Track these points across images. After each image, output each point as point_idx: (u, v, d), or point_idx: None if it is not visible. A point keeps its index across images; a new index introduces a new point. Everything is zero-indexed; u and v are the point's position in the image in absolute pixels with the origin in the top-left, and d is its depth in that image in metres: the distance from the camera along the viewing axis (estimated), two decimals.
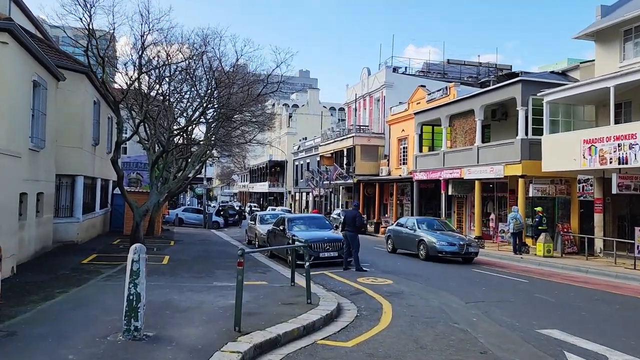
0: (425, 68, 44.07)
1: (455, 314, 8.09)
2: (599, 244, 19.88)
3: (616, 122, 19.34)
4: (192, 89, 19.56)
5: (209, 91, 17.90)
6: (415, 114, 29.82)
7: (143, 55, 15.17)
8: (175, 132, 18.74)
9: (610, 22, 19.06)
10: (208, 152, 24.34)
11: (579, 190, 20.86)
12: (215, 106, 18.75)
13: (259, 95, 19.03)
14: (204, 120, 19.67)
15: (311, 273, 12.96)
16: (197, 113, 18.67)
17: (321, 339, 6.75)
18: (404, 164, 35.25)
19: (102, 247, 17.38)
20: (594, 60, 21.09)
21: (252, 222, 22.08)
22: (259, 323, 7.06)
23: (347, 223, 14.39)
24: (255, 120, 21.11)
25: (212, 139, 19.48)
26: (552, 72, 22.34)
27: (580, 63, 21.37)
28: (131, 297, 6.07)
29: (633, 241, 16.94)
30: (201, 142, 21.09)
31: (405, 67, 43.67)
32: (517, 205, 20.76)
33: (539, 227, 18.78)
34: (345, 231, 14.30)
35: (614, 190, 16.58)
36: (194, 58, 17.00)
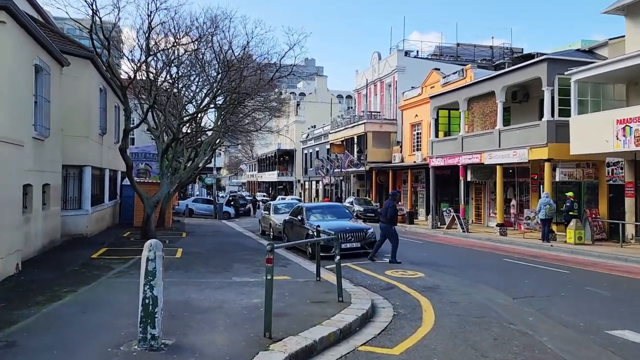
0: (437, 51, 42.84)
1: (507, 312, 7.25)
2: (630, 229, 18.92)
3: None
4: (202, 74, 18.68)
5: (219, 76, 17.01)
6: (430, 97, 28.79)
7: (150, 35, 14.30)
8: (185, 119, 17.88)
9: None
10: (219, 140, 23.52)
11: (608, 173, 19.87)
12: (226, 91, 17.87)
13: (271, 79, 18.13)
14: (214, 106, 18.79)
15: (334, 266, 12.22)
16: (208, 99, 17.80)
17: (362, 345, 5.95)
18: (417, 150, 34.31)
19: (112, 240, 16.68)
20: (622, 36, 19.99)
21: (266, 212, 21.31)
22: (289, 326, 6.26)
23: (382, 214, 13.68)
24: (266, 105, 20.15)
25: (223, 126, 18.62)
26: (578, 50, 21.23)
27: (609, 39, 20.25)
28: (147, 301, 5.27)
29: None
30: (212, 130, 20.23)
31: (417, 51, 42.50)
32: (544, 190, 19.76)
33: (570, 213, 17.82)
34: (380, 222, 13.63)
35: None
36: (203, 40, 16.11)
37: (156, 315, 5.28)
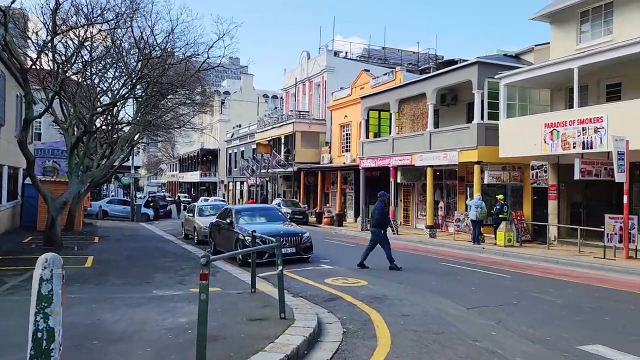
0: (365, 54, 42.91)
1: (466, 326, 6.61)
2: (553, 231, 19.45)
3: (570, 107, 18.96)
4: (119, 63, 16.89)
5: (139, 64, 15.37)
6: (361, 98, 28.46)
7: (57, 11, 12.44)
8: (99, 109, 16.01)
9: (566, 4, 18.48)
10: (138, 136, 21.59)
11: (533, 176, 20.32)
12: (147, 81, 16.23)
13: (198, 70, 16.71)
14: (133, 98, 17.04)
15: (268, 274, 11.17)
16: (125, 90, 16.07)
17: None
18: (347, 151, 33.98)
19: (8, 246, 14.53)
20: (546, 43, 20.59)
21: (190, 215, 19.79)
22: (226, 354, 5.20)
23: (372, 217, 12.87)
24: (191, 100, 18.58)
25: (143, 120, 16.91)
26: (505, 55, 21.65)
27: (535, 46, 20.81)
28: (40, 335, 3.99)
29: (597, 228, 16.48)
30: (130, 123, 18.40)
31: (346, 52, 42.31)
32: (476, 192, 19.85)
33: (500, 216, 17.95)
34: (370, 225, 12.92)
35: (577, 176, 15.96)
36: (121, 22, 14.39)
37: (52, 354, 4.01)
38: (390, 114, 29.14)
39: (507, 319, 6.99)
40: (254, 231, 9.46)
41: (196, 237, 18.49)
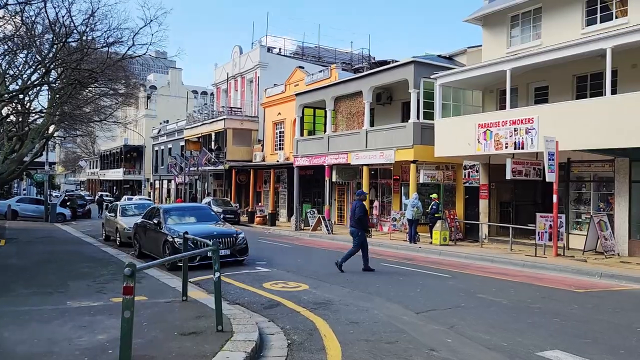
0: (299, 51, 42.39)
1: (420, 334, 6.18)
2: (484, 230, 19.85)
3: (502, 108, 19.44)
4: (31, 46, 15.15)
5: (54, 47, 13.77)
6: (296, 95, 27.90)
7: None
8: (5, 96, 14.20)
9: (497, 7, 18.91)
10: (54, 128, 19.67)
11: (465, 176, 20.72)
12: (63, 66, 14.64)
13: (122, 57, 15.32)
14: (47, 84, 15.32)
15: (200, 278, 10.32)
16: (37, 75, 14.39)
17: None
18: (280, 149, 33.31)
19: None
20: (478, 46, 21.02)
21: (112, 215, 18.32)
22: None
23: (351, 216, 12.01)
24: (114, 91, 17.02)
25: (58, 111, 15.25)
26: (439, 56, 21.89)
27: (468, 48, 21.19)
28: None
29: (526, 226, 16.93)
30: (42, 113, 16.58)
31: (280, 49, 41.54)
32: (412, 192, 19.85)
33: (435, 215, 18.02)
34: (350, 226, 12.08)
35: (508, 176, 16.28)
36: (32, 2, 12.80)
37: None
38: (325, 112, 28.92)
39: (460, 324, 6.65)
40: (186, 232, 8.59)
41: (119, 239, 17.12)
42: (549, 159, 14.27)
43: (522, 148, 15.67)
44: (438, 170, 20.93)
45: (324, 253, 15.79)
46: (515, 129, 15.85)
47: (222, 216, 19.34)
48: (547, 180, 14.71)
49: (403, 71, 20.34)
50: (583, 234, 15.81)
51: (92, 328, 6.13)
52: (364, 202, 12.16)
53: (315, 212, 26.66)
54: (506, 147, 16.18)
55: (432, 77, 19.16)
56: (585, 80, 16.61)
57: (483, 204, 19.90)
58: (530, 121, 15.38)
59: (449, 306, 7.73)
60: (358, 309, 7.50)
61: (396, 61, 23.45)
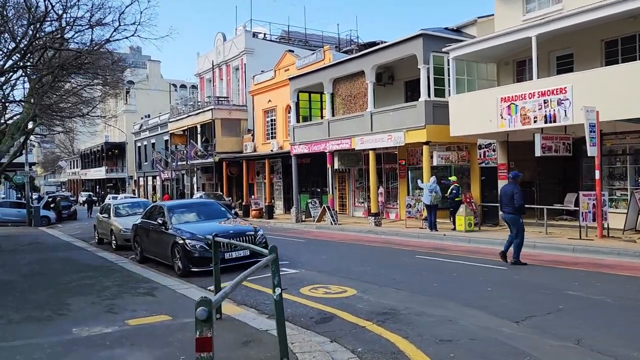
0: (285, 35, 40.60)
1: (543, 354, 4.80)
2: None
3: (518, 80, 18.17)
4: (4, 34, 13.32)
5: (31, 27, 11.97)
6: (290, 79, 26.28)
7: None
8: None
9: None
10: (34, 123, 17.77)
11: (480, 156, 19.45)
12: (42, 49, 12.83)
13: (109, 40, 13.57)
14: (22, 68, 13.43)
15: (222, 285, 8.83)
16: (13, 60, 12.58)
17: None
18: (272, 138, 31.71)
19: None
20: (489, 15, 19.70)
21: (105, 216, 16.61)
22: None
23: (504, 202, 10.46)
24: (102, 75, 15.16)
25: (38, 101, 13.43)
26: (446, 29, 20.46)
27: (478, 18, 19.81)
28: None
29: (559, 206, 15.76)
30: (22, 102, 14.70)
31: (264, 34, 39.71)
32: (423, 175, 18.52)
33: (456, 199, 16.70)
34: (503, 213, 10.58)
35: (538, 153, 15.00)
36: None
37: None
38: (321, 96, 27.38)
39: (582, 336, 5.25)
40: (216, 235, 7.06)
41: (114, 242, 15.47)
42: (590, 131, 13.03)
43: (554, 121, 14.39)
44: (451, 152, 19.62)
45: (345, 247, 14.40)
46: (545, 100, 14.55)
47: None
48: (588, 154, 13.46)
49: (411, 46, 18.88)
50: (620, 211, 14.67)
51: None
52: (518, 185, 10.57)
53: (317, 202, 25.25)
54: (535, 122, 14.90)
55: (444, 49, 17.78)
56: (616, 44, 15.37)
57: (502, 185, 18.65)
58: (563, 91, 14.09)
59: (547, 310, 6.36)
60: (437, 319, 6.10)
61: (385, 42, 21.98)
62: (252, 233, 10.73)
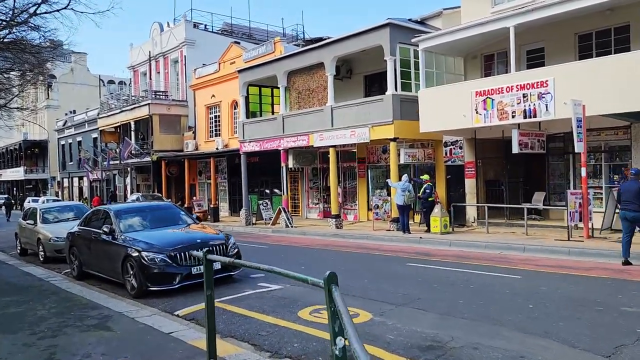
0: (227, 28, 38.42)
1: None
2: (472, 212, 17.93)
3: (486, 75, 17.46)
4: None
5: None
6: (239, 71, 24.39)
7: None
8: None
9: None
10: None
11: (446, 154, 18.66)
12: None
13: (35, 13, 11.12)
14: None
15: (192, 309, 7.10)
16: None
17: None
18: (217, 135, 29.63)
19: None
20: (456, 7, 18.93)
21: (30, 222, 14.05)
22: None
23: (628, 199, 9.36)
24: (30, 52, 12.53)
25: None
26: (410, 20, 19.46)
27: (444, 9, 18.95)
28: None
29: (527, 205, 15.09)
30: None
31: (205, 25, 37.34)
32: (392, 174, 17.39)
33: (429, 199, 15.64)
34: (625, 211, 9.45)
35: (515, 150, 14.26)
36: None
37: None
38: (272, 90, 25.76)
39: None
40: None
41: (42, 253, 13.07)
42: (577, 126, 12.34)
43: (535, 116, 13.65)
44: (417, 149, 18.65)
45: (317, 253, 12.92)
46: (524, 94, 13.79)
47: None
48: (575, 150, 12.78)
49: (376, 36, 17.68)
50: (596, 210, 14.17)
51: None
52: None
53: (269, 203, 23.58)
54: (513, 117, 14.11)
55: (414, 40, 16.73)
56: (590, 38, 14.93)
57: (470, 184, 17.93)
58: (544, 84, 13.37)
59: (628, 336, 5.14)
60: (504, 355, 4.71)
61: (329, 37, 20.76)
62: (224, 242, 8.96)
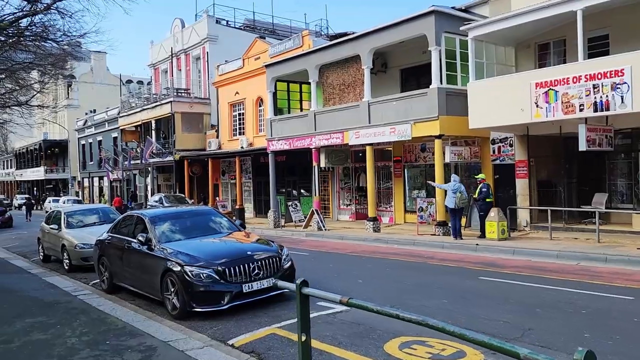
0: (250, 23, 37.37)
1: None
2: (524, 216, 16.54)
3: (541, 65, 16.06)
4: None
5: None
6: (267, 66, 23.24)
7: None
8: None
9: None
10: None
11: (494, 152, 17.28)
12: None
13: (54, 2, 10.07)
14: None
15: (254, 335, 5.91)
16: None
17: None
18: (241, 134, 28.55)
19: None
20: None
21: (54, 227, 13.00)
22: None
23: None
24: (52, 42, 11.61)
25: None
26: (453, 8, 18.09)
27: None
28: None
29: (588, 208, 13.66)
30: None
31: (227, 21, 36.31)
32: (437, 174, 16.07)
33: (487, 200, 14.27)
34: None
35: (583, 147, 12.84)
36: None
37: None
38: (301, 86, 24.61)
39: None
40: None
41: (67, 261, 12.03)
42: None
43: (607, 109, 12.23)
44: (463, 147, 17.32)
45: (367, 262, 11.67)
46: (594, 85, 12.37)
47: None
48: None
49: (419, 25, 16.36)
50: None
51: None
52: None
53: (298, 204, 22.38)
54: (581, 110, 12.69)
55: (462, 28, 15.39)
56: None
57: (521, 184, 16.54)
58: (620, 73, 11.94)
59: None
60: None
61: (354, 32, 19.46)
62: (276, 254, 7.76)
